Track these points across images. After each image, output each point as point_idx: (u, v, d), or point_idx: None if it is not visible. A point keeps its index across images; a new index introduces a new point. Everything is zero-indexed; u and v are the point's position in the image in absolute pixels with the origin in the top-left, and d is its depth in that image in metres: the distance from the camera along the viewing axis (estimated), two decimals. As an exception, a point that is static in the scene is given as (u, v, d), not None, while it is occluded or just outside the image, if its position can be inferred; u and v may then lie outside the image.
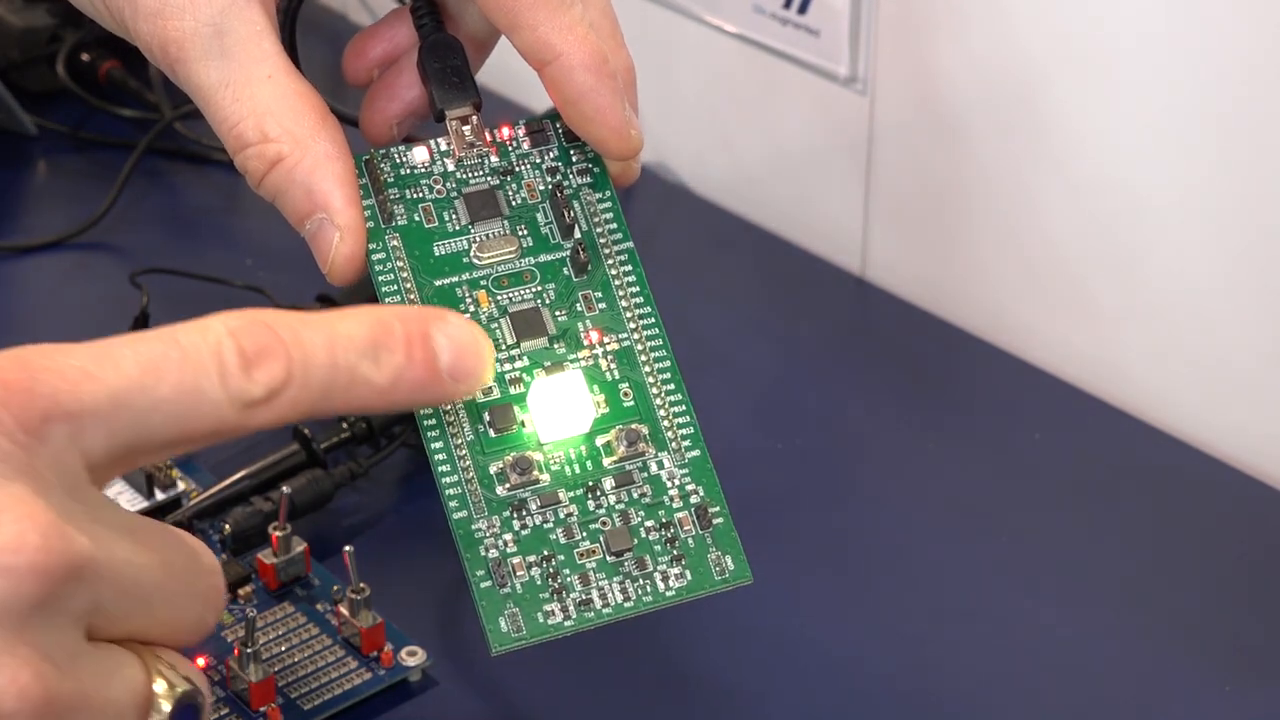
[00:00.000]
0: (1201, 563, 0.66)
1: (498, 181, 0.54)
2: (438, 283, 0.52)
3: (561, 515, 0.51)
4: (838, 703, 0.60)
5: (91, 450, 0.44)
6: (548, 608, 0.50)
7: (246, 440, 0.64)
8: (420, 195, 0.53)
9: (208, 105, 0.52)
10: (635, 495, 0.51)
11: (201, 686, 0.45)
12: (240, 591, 0.62)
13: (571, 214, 0.53)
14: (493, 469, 0.51)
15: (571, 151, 0.55)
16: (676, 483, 0.52)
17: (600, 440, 0.52)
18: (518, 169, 0.54)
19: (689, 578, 0.51)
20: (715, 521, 0.51)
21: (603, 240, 0.54)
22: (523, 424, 0.51)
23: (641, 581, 0.51)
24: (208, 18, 0.51)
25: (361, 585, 0.60)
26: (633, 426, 0.52)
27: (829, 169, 0.81)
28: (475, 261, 0.53)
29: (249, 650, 0.57)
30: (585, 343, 0.52)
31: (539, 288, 0.53)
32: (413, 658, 0.60)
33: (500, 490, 0.51)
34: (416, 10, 0.55)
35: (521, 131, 0.55)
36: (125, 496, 0.65)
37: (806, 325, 0.79)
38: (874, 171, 0.79)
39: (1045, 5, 0.71)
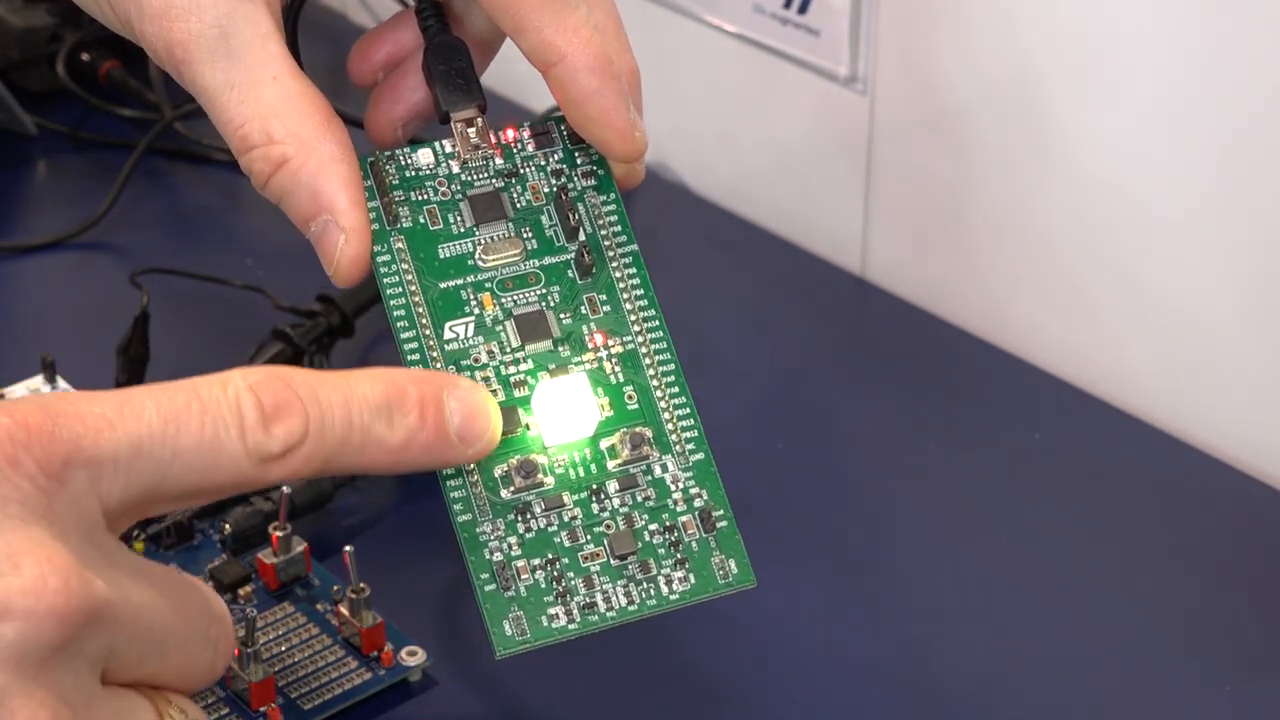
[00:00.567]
0: (1201, 563, 0.66)
1: (502, 184, 0.54)
2: (442, 285, 0.52)
3: (566, 518, 0.51)
4: (838, 702, 0.60)
5: (109, 496, 0.44)
6: (552, 611, 0.50)
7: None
8: (425, 197, 0.53)
9: (213, 107, 0.52)
10: (639, 498, 0.51)
11: None
12: (240, 591, 0.62)
13: (576, 216, 0.53)
14: (497, 472, 0.51)
15: (576, 154, 0.54)
16: (680, 486, 0.52)
17: (605, 443, 0.52)
18: (522, 171, 0.54)
19: (693, 581, 0.51)
20: (719, 525, 0.51)
21: (607, 243, 0.53)
22: (527, 427, 0.51)
23: (645, 585, 0.51)
24: (213, 19, 0.51)
25: (361, 585, 0.60)
26: (637, 430, 0.52)
27: (829, 169, 0.81)
28: (480, 264, 0.53)
29: (249, 650, 0.57)
30: (590, 345, 0.52)
31: (544, 290, 0.53)
32: (413, 658, 0.60)
33: (505, 494, 0.51)
34: (422, 12, 0.55)
35: (526, 134, 0.54)
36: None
37: (806, 325, 0.79)
38: (874, 171, 0.79)
39: (1045, 5, 0.71)
